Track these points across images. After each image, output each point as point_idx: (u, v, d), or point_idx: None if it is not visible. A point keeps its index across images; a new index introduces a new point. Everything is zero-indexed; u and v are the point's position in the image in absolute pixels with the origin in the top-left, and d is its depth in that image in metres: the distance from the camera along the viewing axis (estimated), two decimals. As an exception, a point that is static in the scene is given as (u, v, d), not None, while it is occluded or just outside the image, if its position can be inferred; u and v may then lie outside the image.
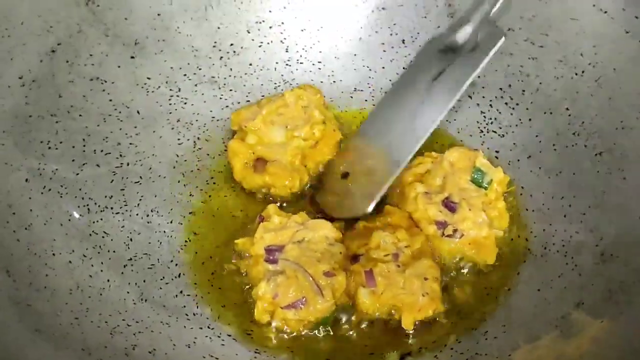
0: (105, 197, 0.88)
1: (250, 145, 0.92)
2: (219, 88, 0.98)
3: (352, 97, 1.00)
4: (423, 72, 0.92)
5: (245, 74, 0.99)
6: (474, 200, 0.87)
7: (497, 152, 0.95)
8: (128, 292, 0.82)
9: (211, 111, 0.97)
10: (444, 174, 0.89)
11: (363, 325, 0.82)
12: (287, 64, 1.01)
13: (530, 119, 0.94)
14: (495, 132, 0.96)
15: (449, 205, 0.87)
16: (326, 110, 0.96)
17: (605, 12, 0.90)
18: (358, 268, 0.83)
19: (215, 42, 0.98)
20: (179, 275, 0.85)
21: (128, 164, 0.91)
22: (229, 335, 0.82)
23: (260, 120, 0.92)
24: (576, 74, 0.92)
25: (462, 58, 0.89)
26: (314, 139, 0.93)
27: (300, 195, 0.92)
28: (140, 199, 0.90)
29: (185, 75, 0.97)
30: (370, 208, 0.87)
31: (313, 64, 1.01)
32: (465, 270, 0.86)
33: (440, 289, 0.83)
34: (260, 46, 1.00)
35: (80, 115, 0.90)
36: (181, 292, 0.84)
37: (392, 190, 0.91)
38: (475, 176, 0.88)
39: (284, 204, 0.92)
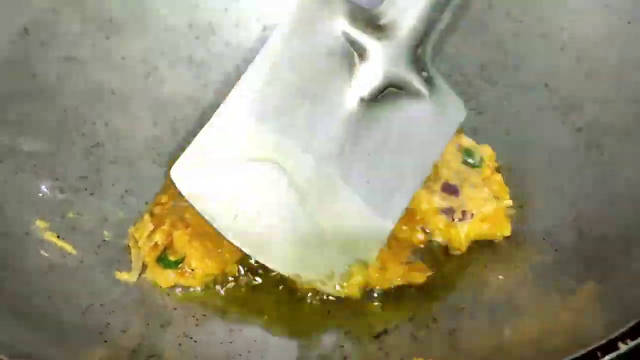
0: (80, 177, 0.87)
1: None
2: (196, 67, 0.97)
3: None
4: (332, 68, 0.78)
5: (223, 53, 0.98)
6: (473, 178, 0.87)
7: (476, 129, 0.94)
8: (102, 273, 0.82)
9: (188, 91, 0.97)
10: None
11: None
12: (264, 43, 0.99)
13: (509, 95, 0.94)
14: (474, 109, 0.95)
15: (450, 189, 0.86)
16: None
17: (586, -14, 0.89)
18: None
19: (191, 21, 0.97)
20: (154, 256, 0.85)
21: (103, 145, 0.90)
22: (204, 315, 0.81)
23: None
24: (555, 49, 0.91)
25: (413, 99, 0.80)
26: None
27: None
28: (115, 180, 0.89)
29: (161, 54, 0.96)
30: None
31: (291, 42, 1.00)
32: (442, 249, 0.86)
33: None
34: (237, 25, 0.99)
35: (54, 96, 0.89)
36: (156, 271, 0.84)
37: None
38: (466, 157, 0.88)
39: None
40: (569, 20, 0.90)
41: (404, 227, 0.85)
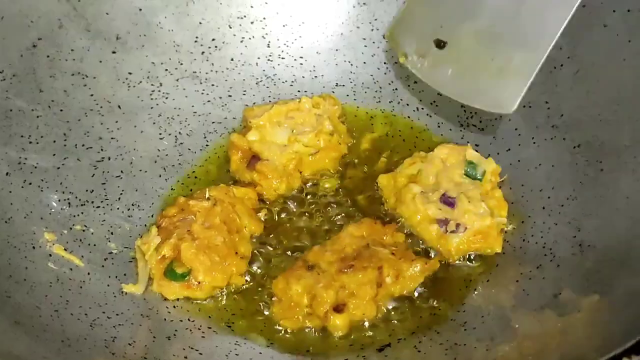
0: (86, 190, 0.88)
1: (249, 141, 0.92)
2: (201, 83, 0.99)
3: (333, 92, 1.00)
4: None
5: (227, 69, 1.00)
6: (471, 192, 0.88)
7: (477, 145, 0.95)
8: (108, 285, 0.83)
9: (193, 106, 0.98)
10: (437, 172, 0.90)
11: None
12: (268, 59, 1.01)
13: (510, 113, 0.94)
14: (475, 125, 0.97)
15: (447, 201, 0.87)
16: (340, 123, 0.96)
17: (584, 5, 0.90)
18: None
19: (196, 37, 0.99)
20: (160, 268, 0.86)
21: (109, 158, 0.91)
22: (210, 328, 0.82)
23: (266, 119, 0.93)
24: (555, 68, 0.92)
25: None
26: (316, 148, 0.93)
27: (288, 199, 0.92)
28: (121, 193, 0.90)
29: (166, 70, 0.97)
30: (515, 106, 0.84)
31: (294, 59, 1.02)
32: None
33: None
34: (241, 41, 1.00)
35: (61, 110, 0.90)
36: (161, 284, 0.84)
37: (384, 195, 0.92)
38: (468, 169, 0.89)
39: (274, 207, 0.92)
40: (568, 39, 0.91)
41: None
